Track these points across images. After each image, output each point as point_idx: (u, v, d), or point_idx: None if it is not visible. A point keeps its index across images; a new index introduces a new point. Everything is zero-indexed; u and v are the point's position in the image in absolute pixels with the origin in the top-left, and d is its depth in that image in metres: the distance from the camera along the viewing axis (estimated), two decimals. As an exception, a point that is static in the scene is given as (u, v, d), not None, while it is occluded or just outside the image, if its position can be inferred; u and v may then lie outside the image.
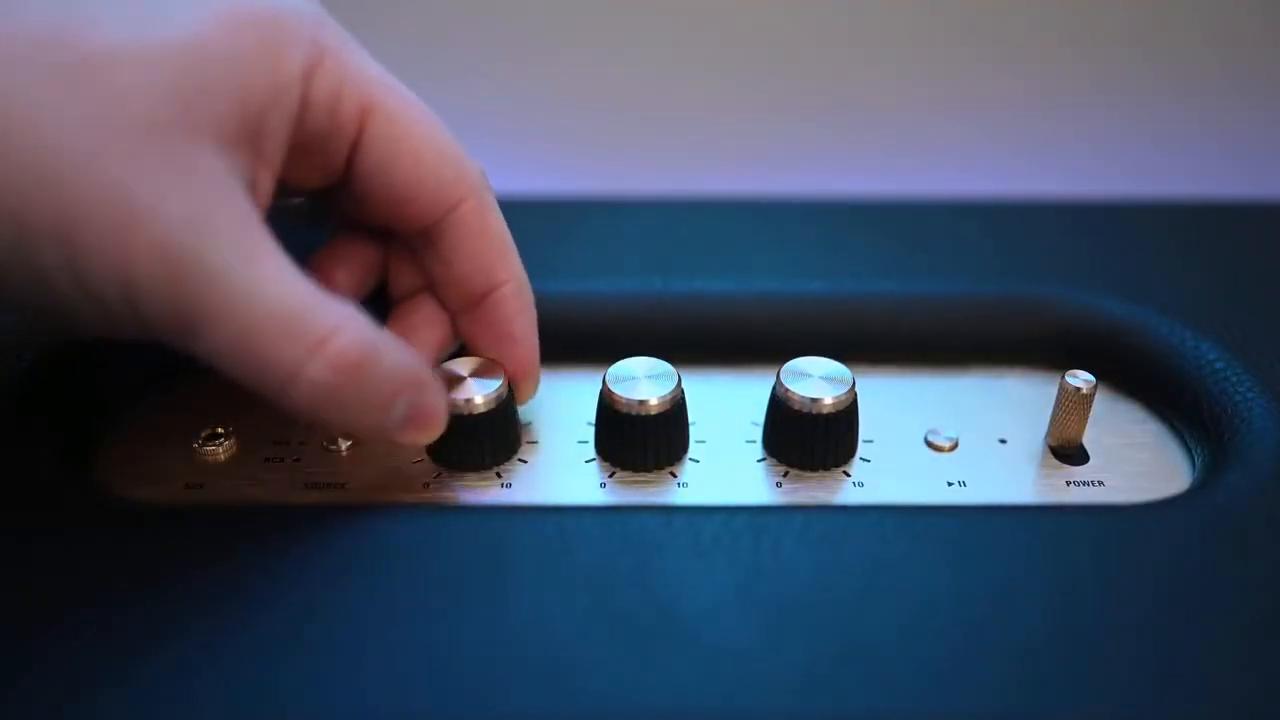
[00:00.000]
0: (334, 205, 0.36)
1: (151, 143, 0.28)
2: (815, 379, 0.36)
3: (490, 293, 0.36)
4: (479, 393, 0.35)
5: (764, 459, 0.37)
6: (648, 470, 0.37)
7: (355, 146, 0.33)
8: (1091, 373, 0.37)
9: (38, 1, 0.28)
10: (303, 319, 0.29)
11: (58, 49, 0.28)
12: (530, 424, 0.38)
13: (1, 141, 0.27)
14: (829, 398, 0.36)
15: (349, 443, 0.37)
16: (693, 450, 0.37)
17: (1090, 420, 0.38)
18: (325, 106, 0.32)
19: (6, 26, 0.27)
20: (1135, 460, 0.38)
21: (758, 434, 0.38)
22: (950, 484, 0.37)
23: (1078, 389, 0.37)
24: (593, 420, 0.37)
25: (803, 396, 0.36)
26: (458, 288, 0.36)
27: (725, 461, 0.37)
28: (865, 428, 0.38)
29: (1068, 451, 0.38)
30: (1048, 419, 0.38)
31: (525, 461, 0.37)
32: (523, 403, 0.38)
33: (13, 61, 0.27)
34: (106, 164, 0.28)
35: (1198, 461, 0.37)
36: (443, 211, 0.34)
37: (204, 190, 0.29)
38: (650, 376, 0.36)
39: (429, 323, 0.37)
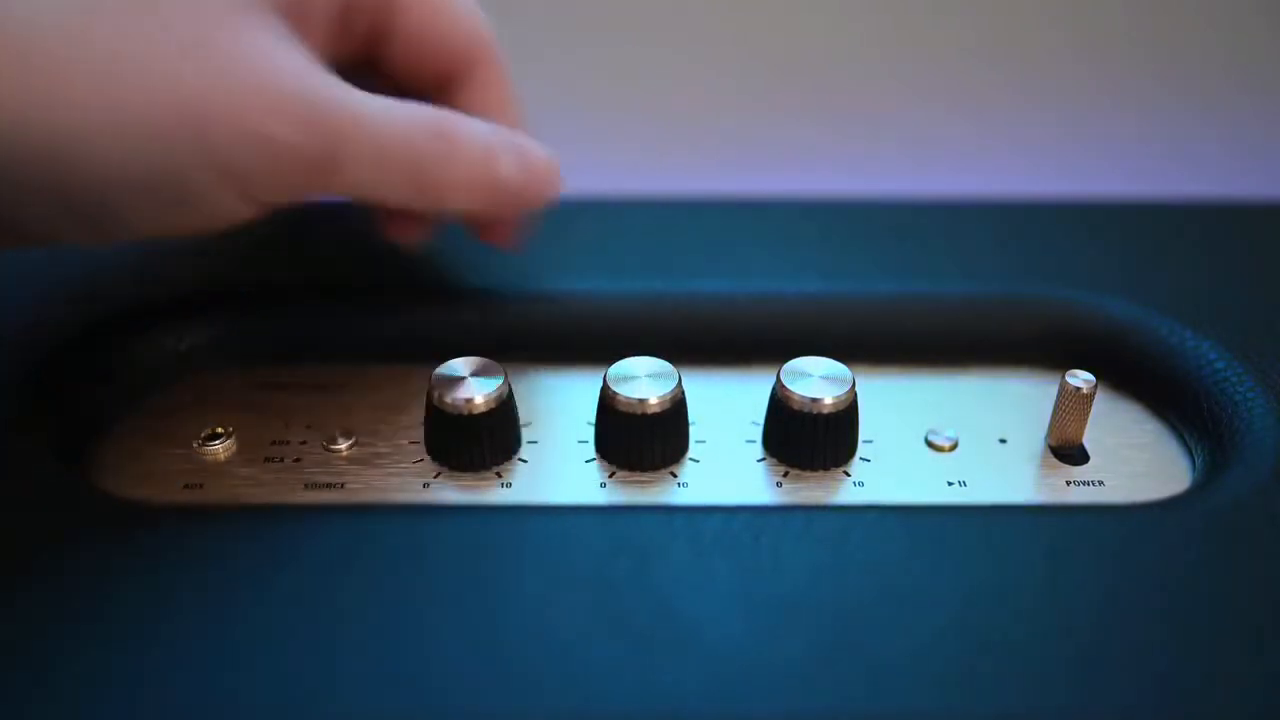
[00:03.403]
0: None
1: (238, 17, 0.31)
2: (815, 379, 0.36)
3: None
4: (479, 393, 0.35)
5: (764, 459, 0.37)
6: (648, 470, 0.37)
7: (387, 11, 0.36)
8: (1091, 373, 0.37)
9: None
10: (415, 114, 0.34)
11: None
12: (530, 424, 0.38)
13: (108, 50, 0.29)
14: (829, 398, 0.36)
15: (349, 442, 0.37)
16: (693, 450, 0.37)
17: (1090, 420, 0.38)
18: None
19: None
20: (1135, 460, 0.38)
21: (758, 434, 0.38)
22: (950, 484, 0.37)
23: (1078, 389, 0.37)
24: (593, 420, 0.37)
25: (803, 396, 0.36)
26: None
27: (725, 461, 0.37)
28: (865, 428, 0.38)
29: (1068, 451, 0.38)
30: (1048, 419, 0.38)
31: (525, 461, 0.37)
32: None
33: None
34: (214, 43, 0.30)
35: (1198, 461, 0.37)
36: (466, 66, 0.38)
37: (295, 45, 0.33)
38: (650, 376, 0.36)
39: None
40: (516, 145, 0.36)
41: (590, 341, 0.41)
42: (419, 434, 0.37)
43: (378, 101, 0.33)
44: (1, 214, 0.31)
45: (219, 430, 0.37)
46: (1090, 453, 0.38)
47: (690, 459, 0.37)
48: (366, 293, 0.41)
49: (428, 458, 0.37)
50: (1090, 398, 0.37)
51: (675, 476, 0.37)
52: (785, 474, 0.37)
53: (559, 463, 0.37)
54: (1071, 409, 0.37)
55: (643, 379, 0.36)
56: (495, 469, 0.36)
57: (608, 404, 0.36)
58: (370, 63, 0.38)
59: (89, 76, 0.29)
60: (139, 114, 0.29)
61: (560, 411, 0.39)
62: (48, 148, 0.29)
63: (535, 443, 0.38)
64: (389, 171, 0.33)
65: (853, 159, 0.60)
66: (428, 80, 0.38)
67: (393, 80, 0.38)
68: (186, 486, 0.36)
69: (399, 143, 0.33)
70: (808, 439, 0.36)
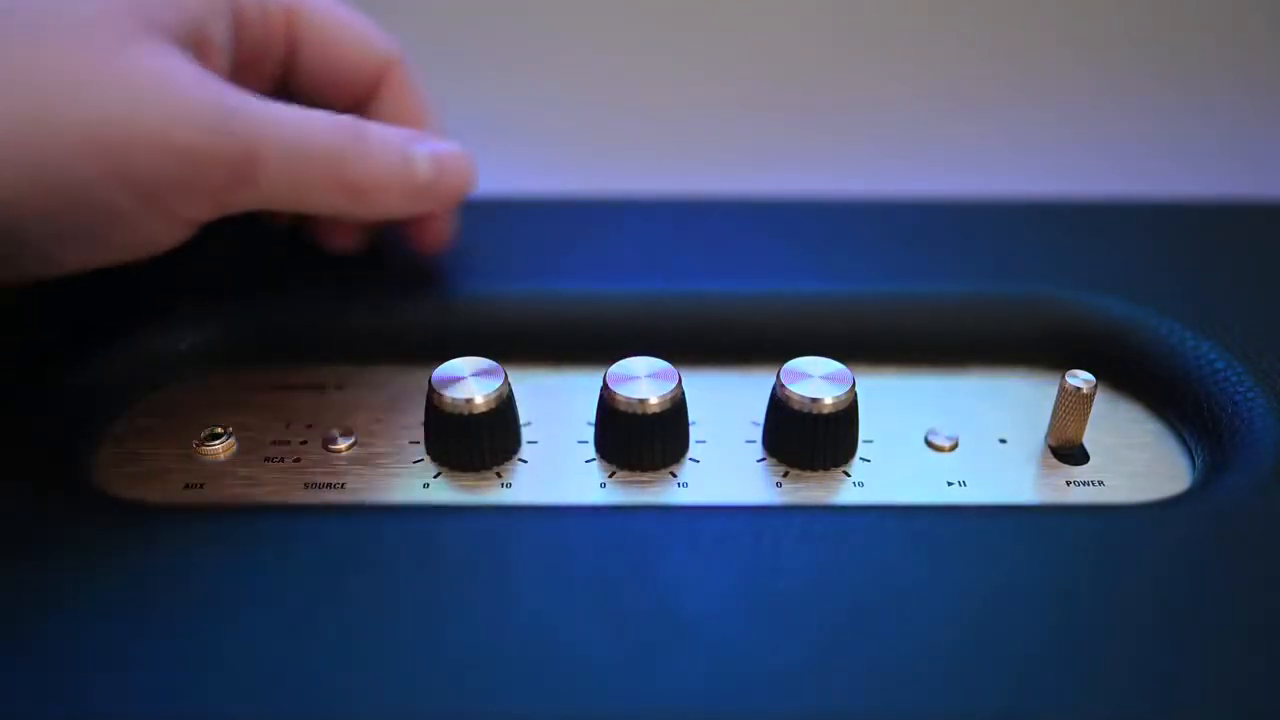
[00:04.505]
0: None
1: (137, 40, 0.32)
2: (815, 379, 0.36)
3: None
4: (479, 393, 0.35)
5: (764, 459, 0.37)
6: (648, 470, 0.37)
7: (290, 46, 0.38)
8: (1091, 373, 0.37)
9: None
10: (323, 120, 0.34)
11: None
12: (530, 424, 0.38)
13: (29, 65, 0.30)
14: (829, 398, 0.36)
15: (349, 442, 0.37)
16: (693, 450, 0.37)
17: (1090, 420, 0.38)
18: (256, 15, 0.36)
19: None
20: (1135, 460, 0.38)
21: (758, 434, 0.38)
22: (950, 484, 0.37)
23: (1078, 389, 0.37)
24: (593, 420, 0.37)
25: (803, 396, 0.36)
26: None
27: (725, 461, 0.37)
28: (865, 428, 0.38)
29: (1068, 451, 0.38)
30: (1048, 419, 0.38)
31: (525, 461, 0.37)
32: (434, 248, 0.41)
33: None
34: (113, 66, 0.31)
35: (1198, 461, 0.37)
36: (375, 81, 0.39)
37: (196, 63, 0.33)
38: (650, 376, 0.36)
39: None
40: (429, 143, 0.37)
41: (590, 341, 0.41)
42: (419, 434, 0.37)
43: (291, 108, 0.34)
44: None
45: (219, 430, 0.37)
46: (1090, 453, 0.38)
47: (690, 459, 0.37)
48: (367, 293, 0.41)
49: (428, 458, 0.37)
50: (1090, 398, 0.37)
51: (675, 476, 0.37)
52: (785, 474, 0.37)
53: (559, 463, 0.37)
54: (1071, 409, 0.37)
55: (643, 379, 0.36)
56: (495, 469, 0.36)
57: (608, 404, 0.36)
58: (282, 95, 0.38)
59: (17, 109, 0.29)
60: (47, 143, 0.29)
61: (560, 411, 0.39)
62: None
63: (535, 443, 0.38)
64: (308, 171, 0.34)
65: (853, 159, 0.60)
66: (342, 103, 0.39)
67: (305, 99, 0.39)
68: (186, 486, 0.36)
69: (316, 142, 0.34)
70: (808, 439, 0.36)
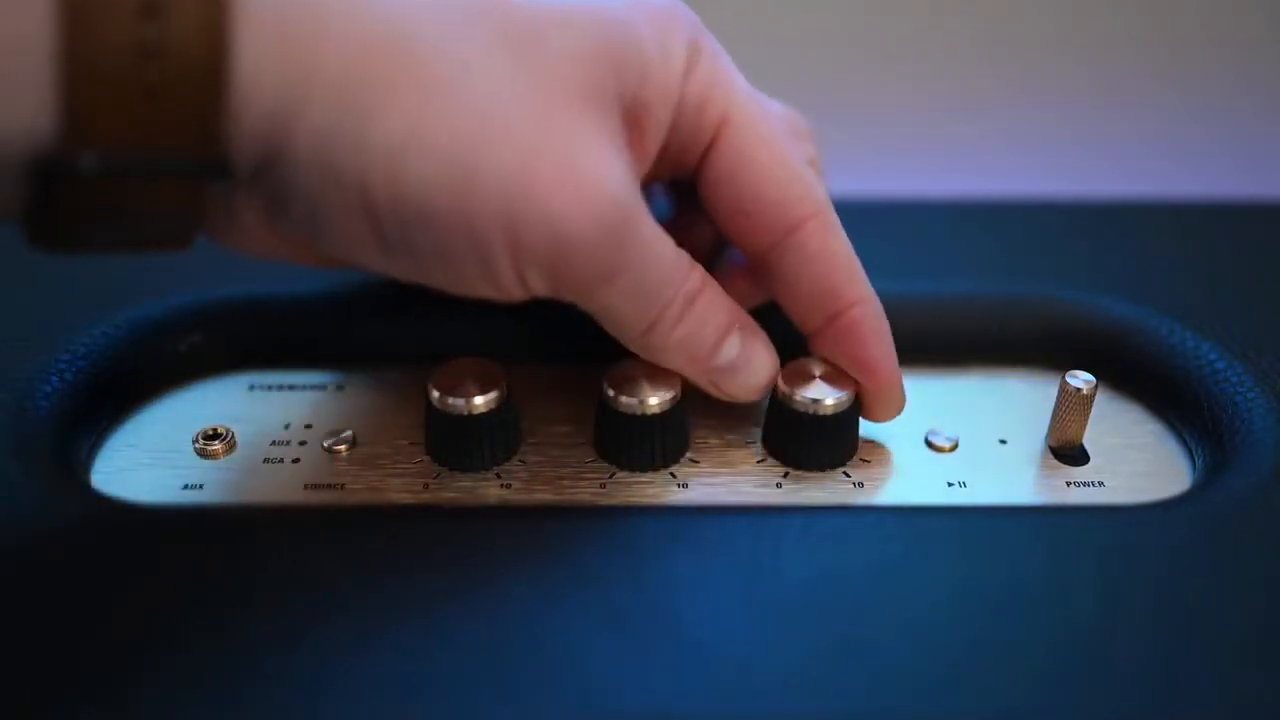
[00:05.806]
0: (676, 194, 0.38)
1: (587, 106, 0.30)
2: (815, 379, 0.36)
3: (839, 315, 0.35)
4: (479, 393, 0.35)
5: (764, 459, 0.37)
6: (648, 470, 0.36)
7: (707, 152, 0.34)
8: (1091, 373, 0.37)
9: None
10: (679, 263, 0.33)
11: (497, 18, 0.29)
12: (530, 424, 0.38)
13: (454, 97, 0.28)
14: (829, 398, 0.36)
15: (349, 443, 0.37)
16: (693, 450, 0.37)
17: (1090, 420, 0.38)
18: (693, 107, 0.33)
19: (444, 3, 0.29)
20: (1135, 460, 0.38)
21: (758, 434, 0.38)
22: (950, 484, 0.37)
23: (1078, 389, 0.37)
24: (592, 420, 0.37)
25: (803, 396, 0.36)
26: (804, 312, 0.35)
27: (725, 461, 0.37)
28: (865, 428, 0.38)
29: (1068, 452, 0.38)
30: (1048, 419, 0.38)
31: (525, 461, 0.37)
32: (882, 422, 0.37)
33: (458, 30, 0.29)
34: (553, 123, 0.29)
35: (1198, 461, 0.37)
36: (784, 230, 0.34)
37: (624, 154, 0.31)
38: (650, 376, 0.36)
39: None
40: (742, 339, 0.34)
41: (591, 341, 0.41)
42: (419, 434, 0.37)
43: (664, 238, 0.32)
44: (317, 225, 0.30)
45: (219, 430, 0.37)
46: (1090, 453, 0.38)
47: (690, 459, 0.37)
48: (367, 293, 0.41)
49: (428, 458, 0.37)
50: (1090, 398, 0.37)
51: (675, 476, 0.36)
52: (785, 474, 0.37)
53: (559, 463, 0.37)
54: (1071, 409, 0.37)
55: (643, 379, 0.36)
56: (495, 469, 0.36)
57: (608, 404, 0.36)
58: (684, 190, 0.36)
59: (457, 125, 0.28)
60: (474, 167, 0.28)
61: (559, 411, 0.39)
62: (386, 169, 0.28)
63: (535, 443, 0.38)
64: (634, 305, 0.32)
65: (853, 159, 0.60)
66: (747, 238, 0.35)
67: (705, 216, 0.36)
68: (186, 486, 0.36)
69: (657, 282, 0.32)
70: (808, 439, 0.36)
